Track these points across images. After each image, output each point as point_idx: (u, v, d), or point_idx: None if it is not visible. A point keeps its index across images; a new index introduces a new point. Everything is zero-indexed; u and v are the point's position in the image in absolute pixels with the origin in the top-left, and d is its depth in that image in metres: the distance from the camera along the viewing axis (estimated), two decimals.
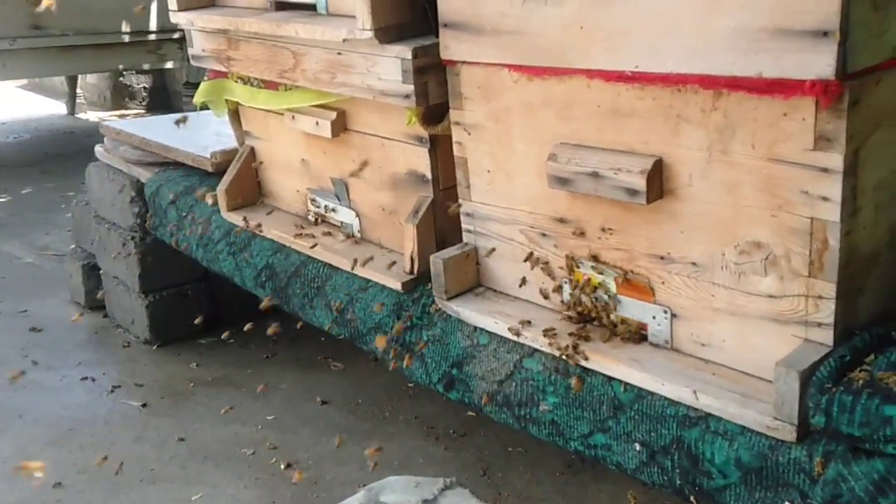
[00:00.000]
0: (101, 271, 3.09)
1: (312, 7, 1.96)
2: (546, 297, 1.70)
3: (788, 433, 1.29)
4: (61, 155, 5.43)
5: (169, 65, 5.31)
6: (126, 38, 5.00)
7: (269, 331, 2.21)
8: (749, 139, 1.30)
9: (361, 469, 2.22)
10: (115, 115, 6.39)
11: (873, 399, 1.20)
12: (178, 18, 2.23)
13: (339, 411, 2.52)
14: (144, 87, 6.52)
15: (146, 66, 5.40)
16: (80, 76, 6.60)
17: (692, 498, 1.43)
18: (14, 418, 2.52)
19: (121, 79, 6.68)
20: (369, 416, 2.48)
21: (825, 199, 1.25)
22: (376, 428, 2.42)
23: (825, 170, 1.24)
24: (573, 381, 1.53)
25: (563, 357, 1.57)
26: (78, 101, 6.70)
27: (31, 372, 2.78)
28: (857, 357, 1.29)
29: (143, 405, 2.58)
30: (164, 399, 2.62)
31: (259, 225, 2.25)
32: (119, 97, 6.75)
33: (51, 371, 2.80)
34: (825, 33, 1.17)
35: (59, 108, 6.83)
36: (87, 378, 2.74)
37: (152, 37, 5.10)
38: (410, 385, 2.58)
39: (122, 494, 2.16)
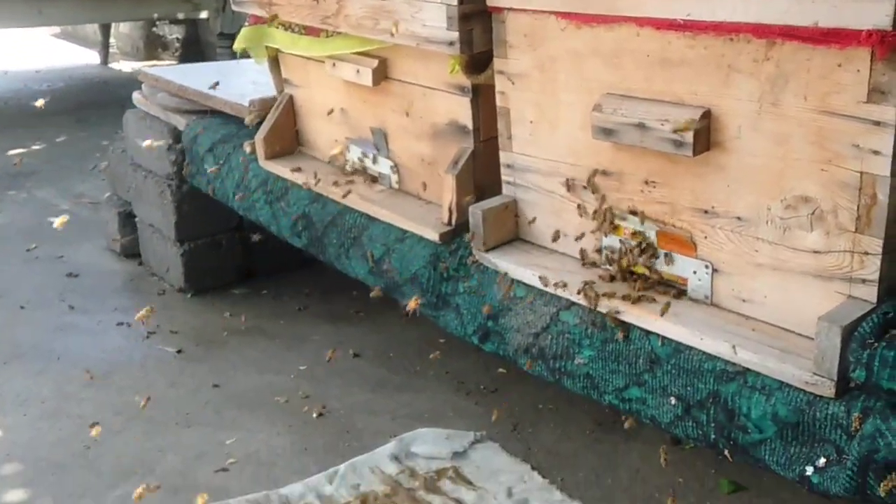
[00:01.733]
0: (136, 219, 3.12)
1: None
2: (585, 250, 1.70)
3: (827, 388, 1.29)
4: (95, 104, 5.46)
5: (203, 14, 5.30)
6: None
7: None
8: (801, 90, 1.28)
9: (393, 420, 2.25)
10: (148, 66, 6.41)
11: None
12: None
13: (370, 364, 2.54)
14: (177, 38, 6.53)
15: (180, 16, 5.39)
16: (113, 26, 6.61)
17: (726, 452, 1.43)
18: (52, 360, 2.56)
19: (154, 29, 6.69)
20: (400, 370, 2.50)
21: (876, 152, 1.23)
22: (407, 381, 2.44)
23: (877, 123, 1.22)
24: (619, 334, 1.53)
25: (601, 311, 1.57)
26: (111, 50, 6.72)
27: (68, 316, 2.83)
28: None
29: (178, 351, 2.62)
30: (198, 346, 2.66)
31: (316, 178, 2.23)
32: (152, 47, 6.76)
33: (87, 315, 2.84)
34: None
35: (92, 57, 6.86)
36: (122, 323, 2.79)
37: None
38: (442, 340, 2.59)
39: (158, 436, 2.20)
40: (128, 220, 3.20)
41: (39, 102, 2.67)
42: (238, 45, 2.36)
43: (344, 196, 2.11)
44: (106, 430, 2.22)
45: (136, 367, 2.53)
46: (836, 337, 1.26)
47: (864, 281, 1.31)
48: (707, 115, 1.39)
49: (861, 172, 1.26)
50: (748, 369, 1.39)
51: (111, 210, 3.27)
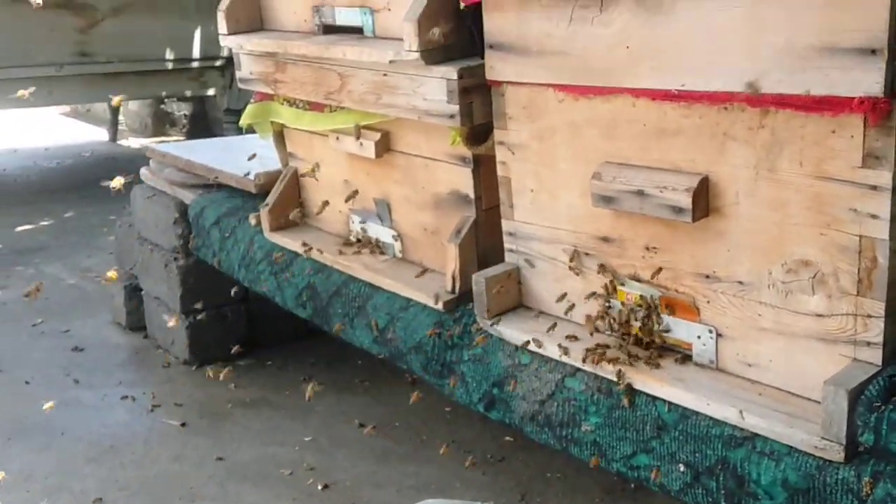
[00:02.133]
0: (142, 292, 3.14)
1: (359, 30, 2.00)
2: (589, 316, 1.70)
3: (836, 453, 1.28)
4: (103, 179, 5.53)
5: (210, 92, 5.41)
6: (169, 66, 5.12)
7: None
8: (797, 157, 1.30)
9: (399, 491, 2.22)
10: (156, 142, 6.51)
11: None
12: (228, 42, 2.29)
13: (376, 434, 2.52)
14: (185, 115, 6.64)
15: (188, 93, 5.50)
16: (122, 104, 6.73)
17: None
18: (56, 435, 2.55)
19: (162, 106, 6.81)
20: (406, 440, 2.48)
21: (874, 216, 1.25)
22: (413, 452, 2.42)
23: (874, 187, 1.24)
24: (624, 399, 1.53)
25: (607, 377, 1.57)
26: (119, 128, 6.83)
27: (72, 390, 2.83)
28: None
29: (183, 424, 2.60)
30: (202, 419, 2.64)
31: (309, 247, 2.27)
32: (160, 124, 6.88)
33: (92, 390, 2.83)
34: (873, 51, 1.18)
35: (101, 134, 6.97)
36: (127, 397, 2.78)
37: (195, 64, 5.21)
38: (447, 409, 2.58)
39: None
40: (134, 293, 3.21)
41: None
42: (244, 121, 2.41)
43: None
44: None
45: (139, 441, 2.52)
46: (842, 401, 1.26)
47: (868, 344, 1.31)
48: (705, 181, 1.42)
49: (860, 236, 1.27)
50: (756, 434, 1.38)
51: (117, 284, 3.29)
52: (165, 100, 6.58)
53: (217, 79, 5.32)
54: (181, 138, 6.63)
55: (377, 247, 2.21)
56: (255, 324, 2.99)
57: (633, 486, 2.15)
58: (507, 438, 2.39)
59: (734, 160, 1.38)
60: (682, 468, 1.46)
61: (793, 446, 1.33)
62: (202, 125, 6.55)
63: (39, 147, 6.64)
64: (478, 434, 2.45)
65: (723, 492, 1.41)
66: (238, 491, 2.25)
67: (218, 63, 5.22)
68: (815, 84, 1.24)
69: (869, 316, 1.30)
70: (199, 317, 2.90)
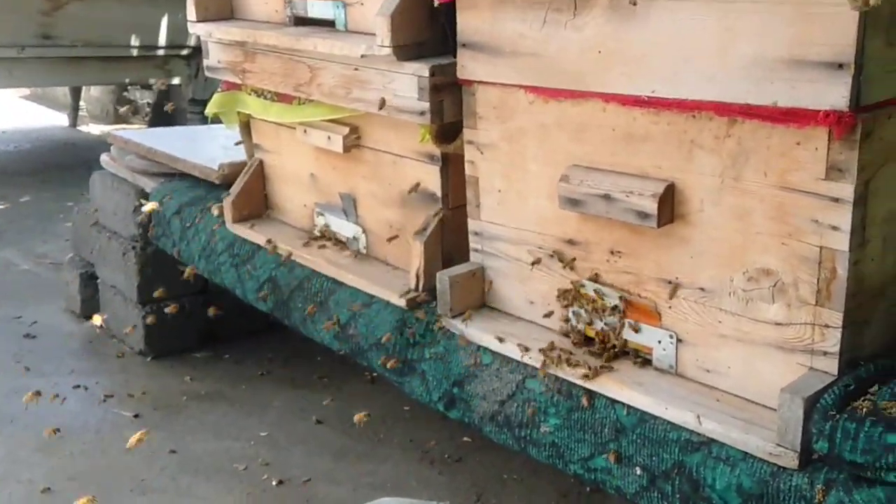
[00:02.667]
0: (98, 280, 3.08)
1: (331, 23, 1.99)
2: (551, 318, 1.71)
3: (791, 460, 1.30)
4: (61, 166, 5.43)
5: (175, 80, 5.34)
6: (134, 52, 5.04)
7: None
8: (762, 167, 1.32)
9: (355, 489, 2.21)
10: (118, 129, 6.41)
11: (876, 427, 1.21)
12: (197, 29, 2.26)
13: (333, 431, 2.50)
14: (148, 103, 6.55)
15: (152, 82, 5.42)
16: (83, 89, 6.62)
17: None
18: (5, 423, 2.49)
19: (124, 93, 6.71)
20: (364, 438, 2.46)
21: (835, 228, 1.27)
22: (371, 449, 2.40)
23: (836, 199, 1.26)
24: (583, 400, 1.53)
25: (567, 379, 1.57)
26: (80, 113, 6.71)
27: (23, 378, 2.77)
28: (862, 387, 1.31)
29: (136, 416, 2.56)
30: (156, 411, 2.60)
31: (273, 243, 2.25)
32: (122, 112, 6.78)
33: (43, 378, 2.78)
34: (840, 65, 1.20)
35: (60, 119, 6.85)
36: (79, 386, 2.73)
37: (160, 52, 5.14)
38: (406, 408, 2.57)
39: (112, 502, 2.13)
40: (89, 281, 3.16)
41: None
42: (210, 110, 2.38)
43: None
44: (58, 495, 2.15)
45: (90, 431, 2.47)
46: (798, 409, 1.28)
47: (825, 353, 1.33)
48: (671, 188, 1.43)
49: (821, 247, 1.30)
50: (713, 440, 1.40)
51: (73, 271, 3.23)
52: (128, 87, 6.48)
53: (182, 68, 5.25)
54: (143, 126, 6.54)
55: (341, 242, 2.19)
56: (213, 317, 2.95)
57: (588, 489, 2.16)
58: (465, 439, 2.39)
59: (700, 168, 1.40)
60: (638, 471, 1.47)
61: (748, 452, 1.35)
62: (165, 114, 6.47)
63: None
64: (436, 433, 2.45)
65: (678, 496, 1.42)
66: (190, 484, 2.22)
67: (184, 52, 5.15)
68: (783, 96, 1.26)
69: (827, 326, 1.32)
70: (156, 307, 2.86)
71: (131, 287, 2.85)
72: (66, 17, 4.73)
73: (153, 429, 2.48)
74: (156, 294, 2.76)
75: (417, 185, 1.90)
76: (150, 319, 2.80)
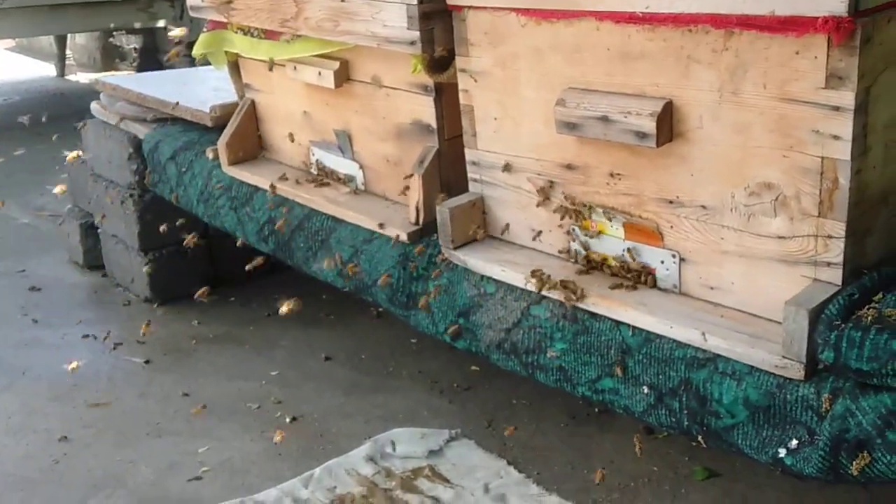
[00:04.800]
0: (99, 230, 3.08)
1: None
2: (553, 244, 1.71)
3: (797, 371, 1.31)
4: (52, 116, 5.37)
5: (160, 23, 5.24)
6: None
7: (284, 309, 2.09)
8: (760, 79, 1.30)
9: (367, 422, 2.24)
10: (106, 76, 6.33)
11: (882, 334, 1.21)
12: None
13: (342, 367, 2.53)
14: (135, 48, 6.45)
15: (137, 25, 5.32)
16: (69, 37, 6.52)
17: (700, 438, 1.45)
18: (17, 375, 2.52)
19: (111, 39, 6.60)
20: (373, 372, 2.49)
21: (836, 137, 1.25)
22: (380, 383, 2.43)
23: (836, 108, 1.24)
24: (590, 324, 1.54)
25: (571, 303, 1.58)
26: (67, 62, 6.62)
27: (31, 330, 2.79)
28: (866, 295, 1.31)
29: (146, 362, 2.59)
30: (166, 356, 2.63)
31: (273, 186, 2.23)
32: (109, 58, 6.68)
33: (51, 329, 2.80)
34: None
35: (48, 69, 6.76)
36: (88, 336, 2.75)
37: None
38: (414, 340, 2.59)
39: (129, 448, 2.17)
40: (90, 231, 3.16)
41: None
42: (197, 51, 2.34)
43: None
44: (75, 442, 2.19)
45: (103, 379, 2.50)
46: (803, 320, 1.28)
47: (828, 264, 1.33)
48: (669, 106, 1.41)
49: (822, 157, 1.28)
50: (718, 355, 1.40)
51: (73, 222, 3.23)
52: (114, 33, 6.38)
53: (167, 10, 5.16)
54: (131, 72, 6.46)
55: (339, 179, 2.18)
56: (216, 260, 2.96)
57: (597, 409, 2.19)
58: (473, 368, 2.42)
59: (698, 83, 1.37)
60: (645, 390, 1.49)
61: (754, 366, 1.36)
62: (153, 59, 6.38)
63: None
64: (444, 364, 2.47)
65: (685, 412, 1.44)
66: (205, 425, 2.26)
67: None
68: (780, 4, 1.23)
69: (830, 237, 1.31)
70: (158, 254, 2.86)
71: (132, 235, 2.84)
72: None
73: (164, 373, 2.51)
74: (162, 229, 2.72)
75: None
76: (150, 266, 2.81)
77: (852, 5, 1.17)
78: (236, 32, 2.25)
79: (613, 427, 2.14)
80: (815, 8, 1.19)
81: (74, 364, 2.38)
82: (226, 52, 2.34)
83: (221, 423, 2.26)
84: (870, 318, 1.25)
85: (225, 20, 2.22)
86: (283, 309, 2.05)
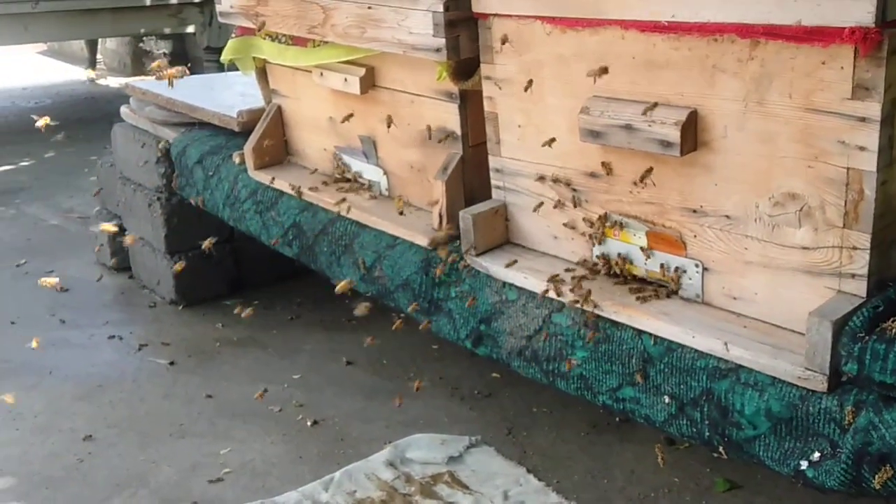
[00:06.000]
0: (126, 232, 3.11)
1: None
2: (576, 251, 1.71)
3: (819, 383, 1.30)
4: (82, 120, 5.45)
5: (190, 29, 5.31)
6: (147, 2, 5.01)
7: (358, 311, 1.97)
8: (786, 89, 1.30)
9: (387, 427, 2.24)
10: (136, 80, 6.40)
11: None
12: None
13: (364, 372, 2.54)
14: (164, 53, 6.52)
15: (167, 31, 5.39)
16: (99, 42, 6.61)
17: (721, 449, 1.44)
18: (44, 375, 2.55)
19: (140, 44, 6.69)
20: (394, 377, 2.50)
21: (862, 148, 1.25)
22: (401, 388, 2.44)
23: (863, 119, 1.23)
24: (589, 334, 1.54)
25: (592, 312, 1.58)
26: (98, 66, 6.71)
27: (58, 331, 2.82)
28: (891, 308, 1.30)
29: (171, 363, 2.61)
30: (190, 357, 2.65)
31: (299, 187, 2.25)
32: (139, 63, 6.76)
33: (78, 330, 2.83)
34: None
35: (78, 73, 6.85)
36: (114, 337, 2.78)
37: (174, 1, 5.10)
38: (435, 346, 2.59)
39: (152, 448, 2.19)
40: (118, 233, 3.19)
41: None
42: (225, 56, 2.37)
43: (336, 204, 2.11)
44: (100, 442, 2.21)
45: (128, 380, 2.53)
46: (826, 331, 1.27)
47: (853, 276, 1.32)
48: (693, 115, 1.41)
49: (848, 168, 1.27)
50: (741, 366, 1.40)
51: (101, 224, 3.26)
52: (144, 38, 6.46)
53: (196, 16, 5.21)
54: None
55: (363, 185, 2.19)
56: (241, 264, 2.99)
57: (618, 419, 2.18)
58: (494, 375, 2.42)
59: (723, 93, 1.37)
60: (667, 400, 1.48)
61: (776, 377, 1.35)
62: (182, 64, 6.44)
63: (17, 86, 6.53)
64: (465, 371, 2.47)
65: (707, 422, 1.43)
66: (228, 427, 2.27)
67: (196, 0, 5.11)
68: (807, 14, 1.23)
69: (854, 248, 1.30)
70: (184, 257, 2.89)
71: (159, 238, 2.88)
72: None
73: (188, 374, 2.53)
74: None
75: (429, 127, 1.89)
76: (178, 268, 2.83)
77: (879, 16, 1.16)
78: (264, 38, 2.27)
79: (634, 437, 2.13)
80: (842, 18, 1.19)
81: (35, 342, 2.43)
82: (253, 58, 2.37)
83: (244, 425, 2.28)
84: (894, 330, 1.24)
85: (253, 26, 2.25)
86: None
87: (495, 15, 1.66)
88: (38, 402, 2.41)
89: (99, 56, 6.75)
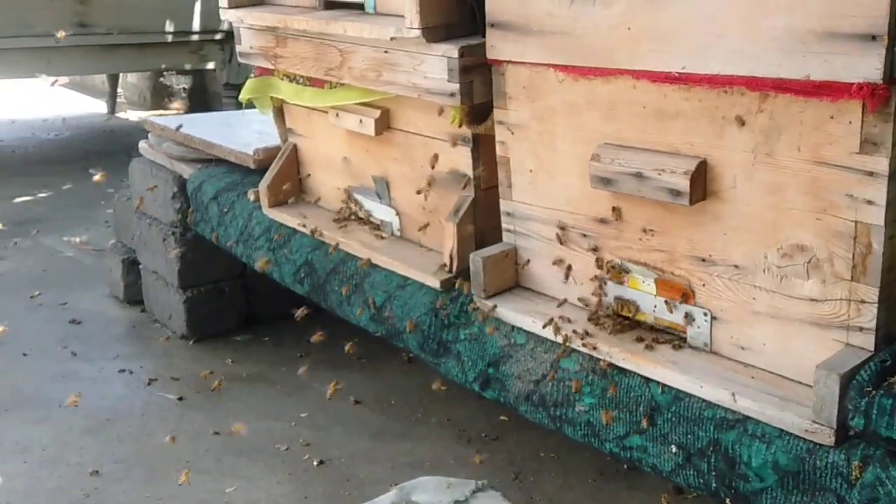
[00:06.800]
0: (140, 266, 3.14)
1: (360, 6, 1.99)
2: (585, 297, 1.71)
3: (827, 437, 1.29)
4: (101, 153, 5.52)
5: (210, 65, 5.38)
6: (169, 38, 5.09)
7: (314, 338, 2.25)
8: (795, 141, 1.31)
9: (393, 468, 2.24)
10: (155, 115, 6.48)
11: None
12: (228, 15, 2.28)
13: (371, 411, 2.54)
14: (184, 88, 6.62)
15: (188, 67, 5.47)
16: (120, 76, 6.71)
17: (728, 500, 1.43)
18: (53, 407, 2.56)
19: (161, 79, 6.78)
20: (401, 417, 2.49)
21: (870, 202, 1.25)
22: (408, 429, 2.43)
23: (871, 173, 1.24)
24: (609, 388, 1.54)
25: (600, 357, 1.58)
26: (118, 100, 6.80)
27: (69, 363, 2.84)
28: None
29: (180, 398, 2.62)
30: (199, 393, 2.65)
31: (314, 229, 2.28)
32: (159, 97, 6.85)
33: (89, 363, 2.84)
34: (873, 37, 1.18)
35: (99, 106, 6.94)
36: (124, 370, 2.79)
37: (195, 37, 5.18)
38: (444, 387, 2.59)
39: (158, 485, 2.19)
40: (132, 267, 3.22)
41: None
42: (244, 95, 2.40)
43: (339, 244, 2.13)
44: (107, 477, 2.21)
45: (136, 414, 2.53)
46: (834, 385, 1.27)
47: (861, 329, 1.32)
48: (703, 165, 1.42)
49: (856, 222, 1.28)
50: (748, 417, 1.39)
51: (115, 257, 3.30)
52: (164, 73, 6.55)
53: (217, 52, 5.29)
54: (180, 112, 6.61)
55: (375, 224, 2.21)
56: (252, 299, 3.00)
57: (626, 466, 2.16)
58: (502, 418, 2.41)
59: (733, 144, 1.38)
60: (674, 449, 1.48)
61: (784, 429, 1.34)
62: (201, 99, 6.53)
63: (37, 118, 6.62)
64: (473, 413, 2.47)
65: (714, 473, 1.42)
66: (234, 465, 2.27)
67: (218, 36, 5.19)
68: (815, 69, 1.24)
69: (862, 301, 1.30)
70: (196, 292, 2.91)
71: (172, 272, 2.90)
72: (101, 5, 4.79)
73: (197, 410, 2.54)
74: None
75: (436, 155, 1.90)
76: (189, 304, 2.85)
77: (887, 72, 1.18)
78: (282, 79, 2.31)
79: (642, 485, 2.11)
80: (850, 74, 1.20)
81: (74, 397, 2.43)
82: (271, 98, 2.40)
83: (250, 463, 2.27)
84: None
85: (272, 67, 2.28)
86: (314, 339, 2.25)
87: (509, 62, 1.68)
88: (47, 435, 2.41)
89: (119, 89, 6.85)
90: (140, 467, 2.26)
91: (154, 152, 2.97)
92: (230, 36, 4.90)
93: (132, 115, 6.71)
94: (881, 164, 1.23)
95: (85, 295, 3.35)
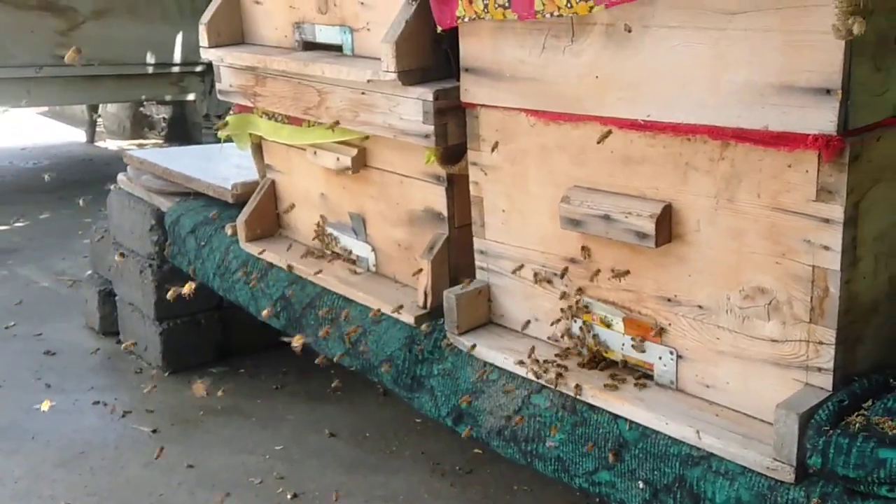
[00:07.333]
0: (116, 297, 3.15)
1: (339, 48, 2.04)
2: (555, 334, 1.75)
3: (787, 474, 1.33)
4: (79, 182, 5.51)
5: (190, 97, 5.42)
6: (149, 70, 5.12)
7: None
8: (755, 188, 1.36)
9: (367, 502, 2.25)
10: (134, 145, 6.50)
11: (868, 442, 1.24)
12: (209, 55, 2.32)
13: (346, 444, 2.55)
14: (164, 118, 6.64)
15: (168, 98, 5.51)
16: (100, 105, 6.72)
17: None
18: (26, 439, 2.55)
19: (141, 109, 6.80)
20: (376, 450, 2.51)
21: (826, 248, 1.31)
22: (383, 462, 2.45)
23: (826, 220, 1.30)
24: (587, 417, 1.57)
25: (571, 394, 1.61)
26: (97, 129, 6.81)
27: (44, 394, 2.83)
28: (856, 402, 1.34)
29: (154, 431, 2.62)
30: (174, 426, 2.65)
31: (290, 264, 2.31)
32: (138, 127, 6.87)
33: (63, 394, 2.84)
34: (828, 91, 1.23)
35: (78, 135, 6.95)
36: (98, 402, 2.78)
37: (175, 69, 5.22)
38: (418, 420, 2.61)
39: None
40: (107, 298, 3.22)
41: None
42: (223, 132, 2.44)
43: (316, 274, 2.16)
44: None
45: (110, 447, 2.53)
46: (793, 424, 1.31)
47: (819, 369, 1.37)
48: (668, 209, 1.47)
49: (813, 266, 1.33)
50: (712, 454, 1.43)
51: (91, 288, 3.30)
52: (144, 103, 6.57)
53: (197, 84, 5.33)
54: (159, 141, 6.63)
55: (352, 260, 2.24)
56: (228, 332, 3.01)
57: (597, 500, 2.19)
58: (476, 451, 2.43)
59: (696, 189, 1.44)
60: (641, 485, 1.51)
61: (746, 466, 1.38)
62: (181, 129, 6.56)
63: (16, 147, 6.61)
64: (447, 446, 2.49)
65: None
66: (207, 499, 2.27)
67: (198, 69, 5.23)
68: (773, 120, 1.30)
69: (821, 343, 1.35)
70: (172, 324, 2.92)
71: (148, 304, 2.91)
72: (82, 37, 4.82)
73: (171, 443, 2.54)
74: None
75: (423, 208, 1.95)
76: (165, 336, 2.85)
77: (841, 124, 1.23)
78: (261, 117, 2.35)
79: None
80: (806, 126, 1.26)
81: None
82: (250, 134, 2.44)
83: (224, 498, 2.27)
84: (857, 425, 1.28)
85: (251, 105, 2.32)
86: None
87: (482, 105, 1.73)
88: (19, 468, 2.40)
89: (99, 118, 6.86)
90: (113, 500, 2.26)
91: (132, 185, 2.99)
92: (211, 68, 4.95)
93: (111, 144, 6.71)
94: (836, 211, 1.28)
95: (60, 326, 3.35)
